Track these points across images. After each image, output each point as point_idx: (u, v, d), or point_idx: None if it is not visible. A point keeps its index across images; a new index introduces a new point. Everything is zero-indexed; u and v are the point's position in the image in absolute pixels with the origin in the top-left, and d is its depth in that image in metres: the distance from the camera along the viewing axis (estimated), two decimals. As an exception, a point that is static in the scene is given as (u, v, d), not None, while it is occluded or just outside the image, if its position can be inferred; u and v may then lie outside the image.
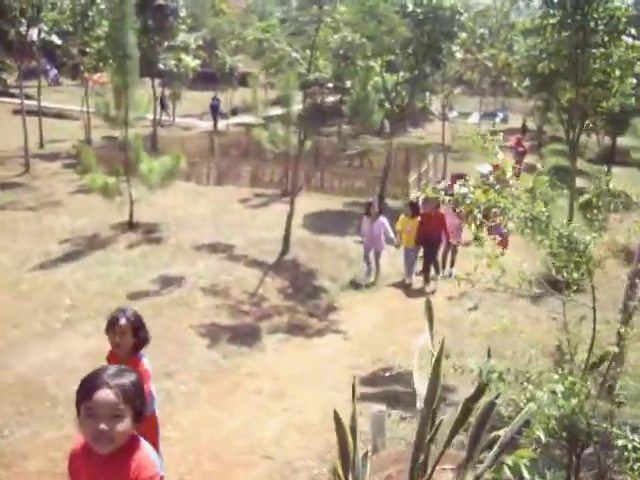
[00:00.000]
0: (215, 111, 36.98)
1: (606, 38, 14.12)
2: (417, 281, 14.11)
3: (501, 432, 4.30)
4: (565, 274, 4.80)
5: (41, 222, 16.18)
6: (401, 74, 19.98)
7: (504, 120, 47.63)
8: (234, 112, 36.95)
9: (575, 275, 4.75)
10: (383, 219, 14.13)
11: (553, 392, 3.64)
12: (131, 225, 15.62)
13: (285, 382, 9.01)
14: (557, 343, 4.63)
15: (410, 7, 17.72)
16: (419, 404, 4.86)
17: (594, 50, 14.29)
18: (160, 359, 9.42)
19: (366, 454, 4.25)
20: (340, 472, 3.89)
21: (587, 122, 15.33)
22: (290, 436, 7.39)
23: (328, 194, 21.94)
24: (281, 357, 9.95)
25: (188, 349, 9.84)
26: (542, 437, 3.72)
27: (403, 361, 9.80)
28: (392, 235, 14.02)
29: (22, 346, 9.80)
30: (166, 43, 29.80)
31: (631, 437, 3.61)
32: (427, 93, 21.55)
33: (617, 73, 14.24)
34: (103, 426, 2.96)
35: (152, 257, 13.85)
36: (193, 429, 7.68)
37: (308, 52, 14.21)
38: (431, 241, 13.80)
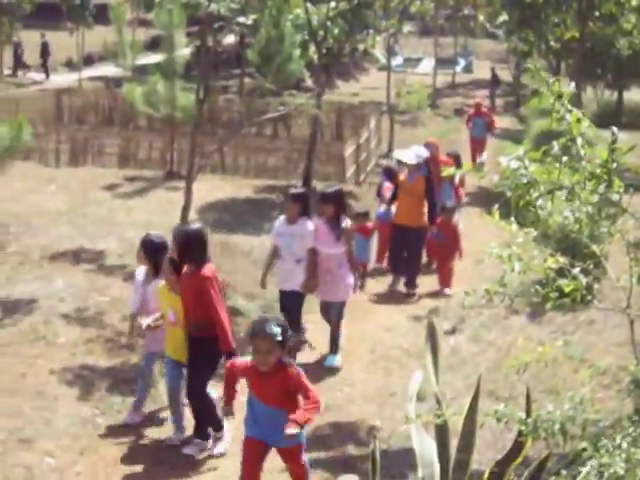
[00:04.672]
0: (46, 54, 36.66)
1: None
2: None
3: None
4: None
5: None
6: (332, 4, 19.97)
7: (467, 69, 48.53)
8: (88, 61, 36.41)
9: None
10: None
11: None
12: (-49, 226, 15.19)
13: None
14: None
15: None
16: (421, 471, 4.82)
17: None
18: (12, 420, 9.14)
19: None
20: None
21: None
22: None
23: (231, 176, 21.81)
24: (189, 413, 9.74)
25: (51, 405, 9.52)
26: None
27: (360, 409, 9.89)
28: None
29: None
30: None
31: None
32: (370, 31, 21.63)
33: (634, 3, 14.56)
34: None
35: (-16, 272, 13.47)
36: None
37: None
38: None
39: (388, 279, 14.88)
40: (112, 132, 24.28)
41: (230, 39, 33.77)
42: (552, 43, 22.95)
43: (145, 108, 18.34)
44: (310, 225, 10.91)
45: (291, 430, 6.74)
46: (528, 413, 4.34)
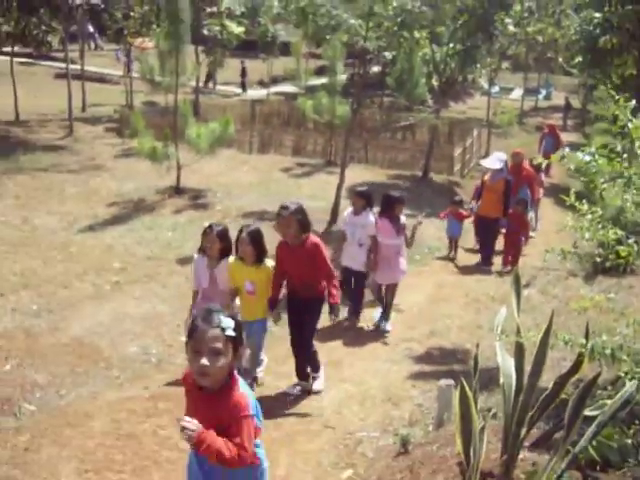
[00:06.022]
0: (244, 75, 37.06)
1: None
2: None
3: (595, 411, 4.20)
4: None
5: (87, 185, 16.23)
6: (450, 45, 19.65)
7: (547, 97, 46.88)
8: (274, 81, 36.70)
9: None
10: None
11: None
12: (177, 190, 15.63)
13: (340, 353, 8.93)
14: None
15: (465, -24, 17.39)
16: (502, 379, 4.78)
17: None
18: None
19: (483, 428, 4.18)
20: (460, 446, 3.81)
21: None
22: (350, 407, 7.31)
23: (372, 166, 21.76)
24: (332, 331, 9.71)
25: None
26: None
27: (457, 335, 9.77)
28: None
29: (73, 307, 9.82)
30: (208, 9, 29.67)
31: None
32: (478, 66, 21.22)
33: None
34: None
35: (200, 223, 13.77)
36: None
37: (360, 21, 13.99)
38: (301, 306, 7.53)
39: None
40: (288, 131, 24.54)
41: (375, 69, 33.47)
42: (614, 79, 22.04)
43: (313, 115, 18.42)
44: (371, 217, 9.68)
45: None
46: (587, 340, 4.25)
